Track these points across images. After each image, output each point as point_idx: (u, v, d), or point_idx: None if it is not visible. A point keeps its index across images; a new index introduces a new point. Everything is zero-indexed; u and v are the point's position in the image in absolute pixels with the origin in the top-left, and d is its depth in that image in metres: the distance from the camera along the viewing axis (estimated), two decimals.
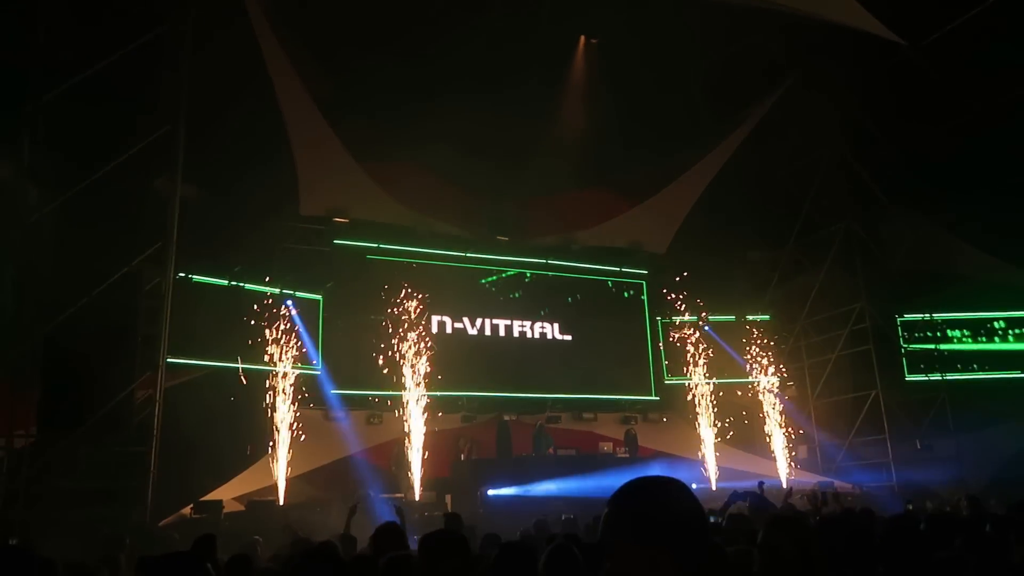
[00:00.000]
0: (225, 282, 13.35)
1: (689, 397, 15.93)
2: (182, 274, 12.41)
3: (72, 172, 10.92)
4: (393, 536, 3.58)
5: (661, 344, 17.86)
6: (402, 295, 14.44)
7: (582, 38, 16.91)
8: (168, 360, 11.69)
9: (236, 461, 12.43)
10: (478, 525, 7.91)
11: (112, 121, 11.28)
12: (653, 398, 17.55)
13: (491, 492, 12.35)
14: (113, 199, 10.76)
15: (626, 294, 18.16)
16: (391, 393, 13.97)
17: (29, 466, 10.19)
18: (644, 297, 18.21)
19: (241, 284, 13.53)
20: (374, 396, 14.69)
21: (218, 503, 10.76)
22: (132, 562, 5.54)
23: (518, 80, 16.80)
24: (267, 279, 13.91)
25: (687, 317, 17.15)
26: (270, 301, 13.54)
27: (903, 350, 16.87)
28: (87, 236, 10.88)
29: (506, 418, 15.38)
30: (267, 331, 13.10)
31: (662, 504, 1.51)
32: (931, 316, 16.75)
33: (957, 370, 16.48)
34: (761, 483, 7.70)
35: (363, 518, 9.00)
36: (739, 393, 16.95)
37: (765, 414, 16.40)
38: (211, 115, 12.28)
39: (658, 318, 18.00)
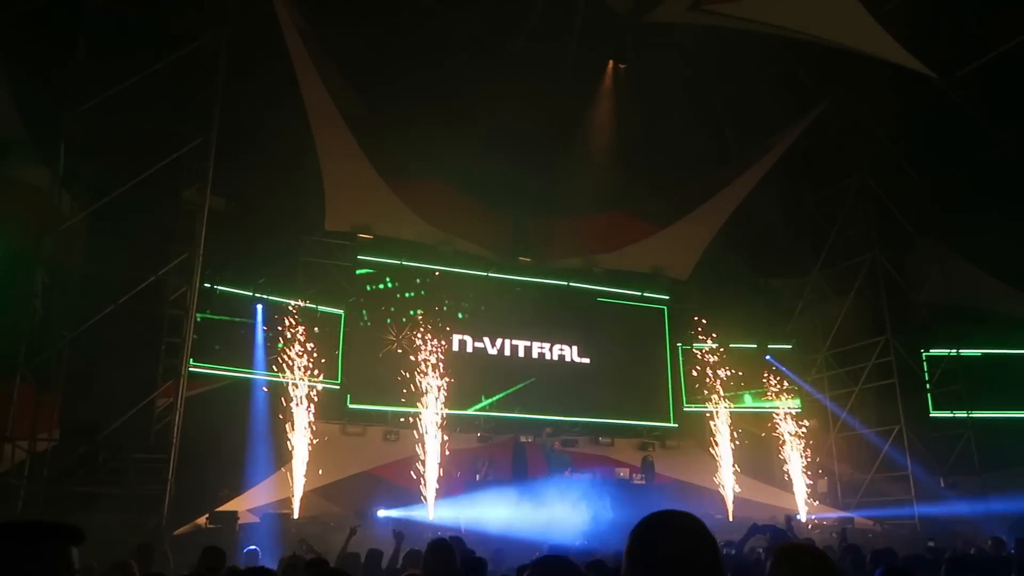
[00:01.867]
0: (249, 294, 13.48)
1: (710, 424, 15.78)
2: (207, 284, 12.56)
3: (104, 181, 11.15)
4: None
5: (681, 370, 17.73)
6: (422, 314, 14.51)
7: (610, 63, 17.01)
8: (190, 369, 11.83)
9: (253, 472, 12.46)
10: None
11: (145, 132, 11.52)
12: (671, 425, 17.39)
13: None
14: (143, 209, 10.95)
15: (646, 319, 18.05)
16: (409, 410, 13.99)
17: (50, 469, 10.31)
18: (665, 322, 18.10)
19: (264, 296, 13.65)
20: (392, 413, 14.72)
21: (233, 514, 10.79)
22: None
23: (546, 103, 16.92)
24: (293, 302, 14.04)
25: (708, 344, 17.04)
26: (296, 314, 13.64)
27: (928, 385, 16.60)
28: (116, 244, 11.08)
29: (523, 439, 15.33)
30: (288, 344, 13.19)
31: (655, 540, 1.55)
32: (958, 352, 16.48)
33: (983, 407, 16.17)
34: (789, 518, 7.52)
35: (374, 535, 9.01)
36: (765, 425, 16.77)
37: (784, 444, 16.20)
38: (242, 129, 12.49)
39: (678, 344, 17.88)
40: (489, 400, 15.82)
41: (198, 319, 12.10)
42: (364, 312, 15.21)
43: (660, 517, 1.59)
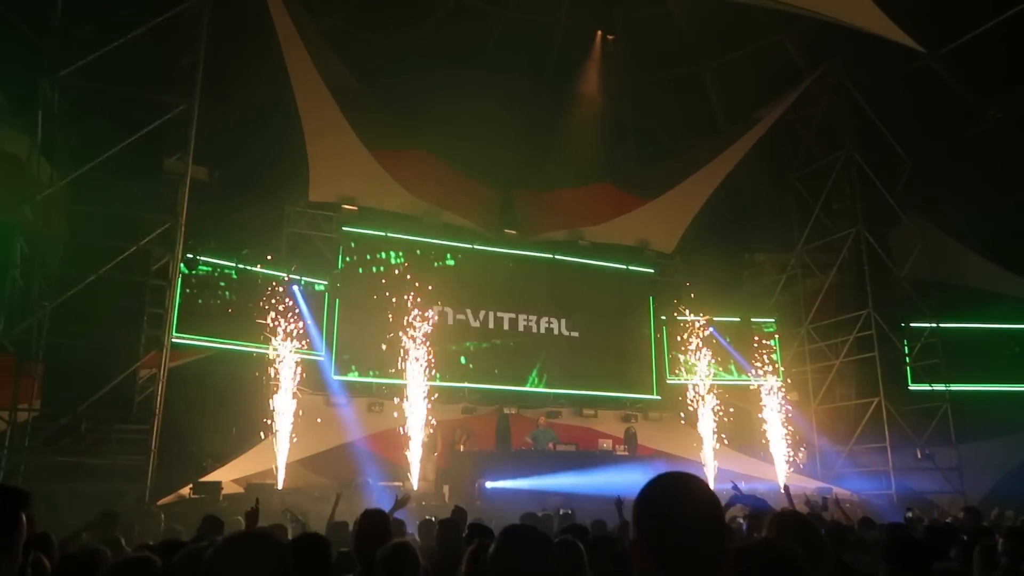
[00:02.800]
0: (232, 264, 13.39)
1: (690, 397, 15.91)
2: (190, 255, 12.46)
3: (85, 149, 10.98)
4: (376, 524, 3.57)
5: (665, 343, 17.84)
6: (407, 285, 14.46)
7: (599, 34, 16.86)
8: (173, 340, 11.77)
9: (236, 443, 12.48)
10: (479, 517, 7.94)
11: (127, 100, 11.32)
12: (654, 397, 17.54)
13: (489, 484, 12.39)
14: (124, 178, 10.79)
15: (631, 292, 18.10)
16: (393, 381, 14.01)
17: (31, 439, 10.27)
18: (650, 296, 18.17)
19: (248, 267, 13.57)
20: (376, 384, 14.76)
21: (217, 484, 10.80)
22: (131, 541, 5.59)
23: (533, 74, 16.81)
24: (269, 258, 13.94)
25: (692, 317, 17.13)
26: (280, 285, 13.58)
27: (908, 359, 16.82)
28: (97, 214, 10.95)
29: (506, 411, 15.41)
30: (271, 315, 13.14)
31: (648, 497, 1.54)
32: (937, 325, 16.68)
33: (961, 381, 16.42)
34: (788, 488, 7.57)
35: (361, 504, 9.05)
36: (744, 395, 16.96)
37: (765, 418, 16.38)
38: (225, 97, 12.31)
39: (663, 317, 17.97)
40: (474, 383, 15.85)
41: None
42: (347, 283, 15.15)
43: (672, 479, 1.57)
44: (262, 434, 12.46)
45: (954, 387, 16.19)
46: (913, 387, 16.59)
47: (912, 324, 16.88)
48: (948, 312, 16.62)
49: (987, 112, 15.67)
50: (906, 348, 16.84)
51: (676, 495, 1.52)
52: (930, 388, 16.24)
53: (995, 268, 16.75)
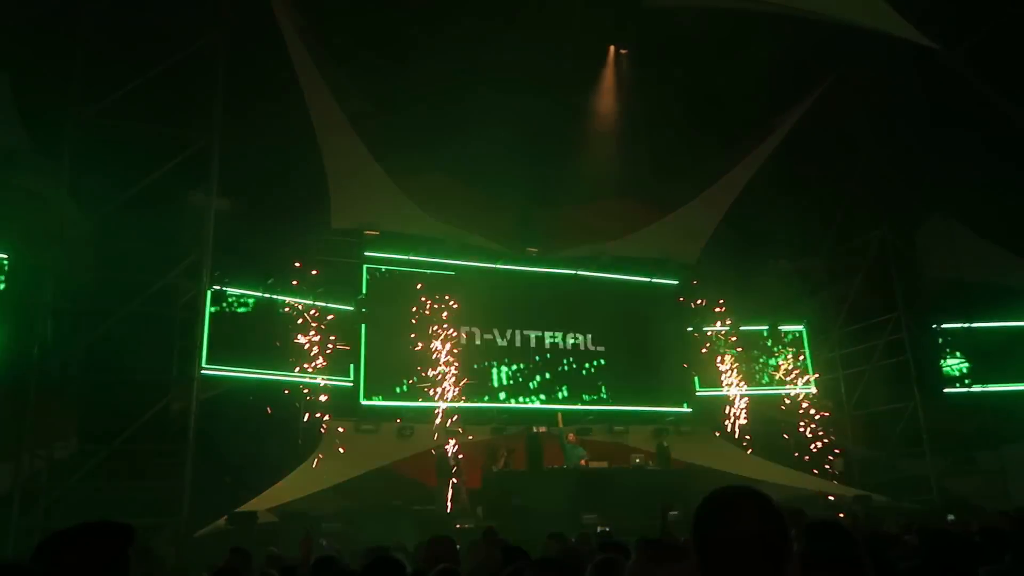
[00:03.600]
0: (259, 294, 13.48)
1: (724, 410, 15.75)
2: (217, 287, 12.57)
3: (110, 187, 11.16)
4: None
5: (692, 355, 17.68)
6: (430, 306, 14.50)
7: (611, 48, 16.91)
8: (203, 372, 11.85)
9: (271, 472, 12.50)
10: (510, 538, 7.86)
11: (149, 137, 11.52)
12: (685, 410, 17.36)
13: (522, 504, 12.29)
14: (150, 213, 10.94)
15: (656, 304, 17.99)
16: (423, 404, 14.00)
17: (69, 476, 10.37)
18: (675, 308, 18.05)
19: (274, 296, 13.66)
20: (406, 408, 14.74)
21: (252, 514, 10.82)
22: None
23: (548, 90, 16.85)
24: (295, 283, 14.03)
25: (719, 328, 16.98)
26: (310, 313, 13.66)
27: (941, 361, 16.53)
28: (125, 250, 11.10)
29: (535, 430, 15.31)
30: (300, 343, 13.21)
31: (696, 517, 1.56)
32: (969, 326, 16.38)
33: (996, 381, 16.08)
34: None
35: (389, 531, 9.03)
36: (779, 407, 16.75)
37: (799, 426, 16.16)
38: (245, 130, 12.47)
39: (689, 329, 17.83)
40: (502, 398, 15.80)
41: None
42: (373, 308, 15.20)
43: (719, 497, 1.58)
44: (298, 461, 12.48)
45: (990, 387, 15.87)
46: (948, 390, 16.29)
47: (944, 325, 16.61)
48: (980, 311, 16.34)
49: (1009, 107, 15.44)
50: (939, 350, 16.56)
51: (720, 511, 1.52)
52: (966, 390, 15.93)
53: None
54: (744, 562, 1.45)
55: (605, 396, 16.68)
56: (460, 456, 13.32)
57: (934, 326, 16.67)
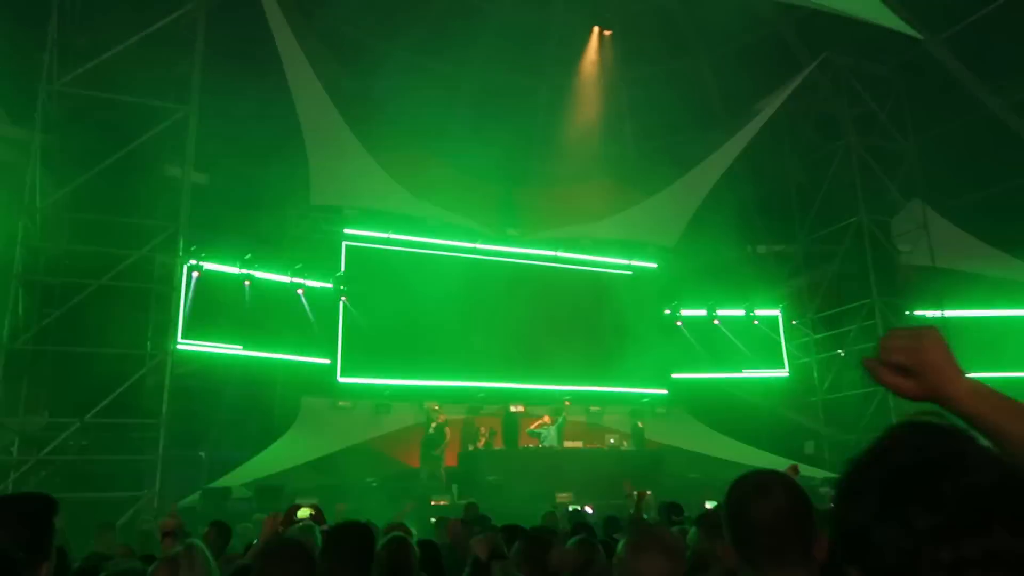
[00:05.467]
0: (236, 270, 13.39)
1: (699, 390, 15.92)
2: (193, 261, 12.46)
3: (84, 158, 10.98)
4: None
5: (670, 337, 17.81)
6: (411, 286, 14.46)
7: (595, 29, 16.83)
8: (178, 347, 11.77)
9: (246, 448, 12.48)
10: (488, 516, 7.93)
11: (125, 107, 11.33)
12: (661, 391, 17.51)
13: (496, 481, 12.39)
14: (125, 185, 10.79)
15: (635, 287, 18.08)
16: (401, 382, 14.02)
17: (40, 449, 10.29)
18: (653, 290, 18.15)
19: (251, 271, 13.57)
20: (383, 386, 14.74)
21: (226, 489, 10.82)
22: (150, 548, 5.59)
23: (530, 71, 16.79)
24: (271, 261, 13.96)
25: (696, 311, 17.14)
26: (284, 288, 13.59)
27: None
28: (99, 222, 10.95)
29: (513, 410, 15.38)
30: (276, 318, 13.15)
31: (728, 500, 1.69)
32: (942, 313, 16.62)
33: (967, 368, 16.33)
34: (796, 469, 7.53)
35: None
36: (750, 388, 16.95)
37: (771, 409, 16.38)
38: (224, 102, 12.31)
39: (667, 311, 17.94)
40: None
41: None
42: (351, 285, 15.14)
43: (748, 480, 1.69)
44: (273, 437, 12.47)
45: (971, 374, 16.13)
46: None
47: (917, 312, 16.85)
48: (953, 299, 16.59)
49: (988, 97, 15.61)
50: None
51: (752, 496, 1.64)
52: None
53: (998, 253, 16.70)
54: (777, 536, 1.57)
55: (581, 376, 16.76)
56: (446, 430, 13.37)
57: (907, 312, 16.90)
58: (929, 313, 16.81)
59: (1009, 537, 0.73)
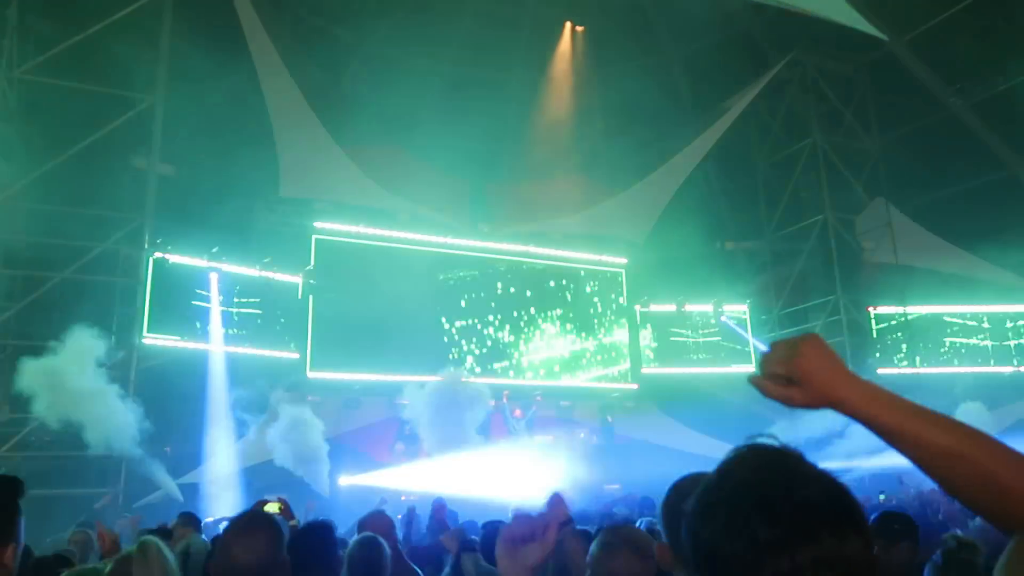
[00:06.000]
0: (203, 263, 13.17)
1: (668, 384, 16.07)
2: (159, 253, 12.24)
3: (47, 148, 10.74)
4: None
5: (639, 332, 17.95)
6: (381, 280, 14.38)
7: (568, 24, 16.87)
8: (144, 340, 11.58)
9: (212, 443, 12.31)
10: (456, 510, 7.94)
11: (89, 96, 11.09)
12: (631, 386, 17.65)
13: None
14: (89, 176, 10.58)
15: (605, 282, 18.19)
16: (370, 377, 13.94)
17: (0, 445, 10.07)
18: (623, 285, 18.27)
19: (219, 264, 13.36)
20: (352, 381, 14.65)
21: (194, 486, 10.68)
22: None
23: (502, 65, 16.76)
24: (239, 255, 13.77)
25: (664, 306, 17.31)
26: (252, 282, 13.42)
27: (876, 342, 17.12)
28: (61, 214, 10.72)
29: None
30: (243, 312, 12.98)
31: (664, 502, 1.70)
32: (904, 311, 16.98)
33: (927, 364, 16.75)
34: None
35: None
36: (718, 382, 17.12)
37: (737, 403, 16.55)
38: (191, 93, 12.12)
39: (636, 306, 18.07)
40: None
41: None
42: (321, 279, 15.01)
43: (696, 481, 1.67)
44: (238, 435, 12.31)
45: (920, 370, 16.51)
46: (881, 371, 16.89)
47: (880, 309, 17.18)
48: (915, 295, 16.95)
49: (949, 98, 15.94)
50: (874, 332, 17.14)
51: (688, 496, 1.58)
52: (898, 372, 16.54)
53: (958, 251, 17.08)
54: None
55: (552, 370, 16.83)
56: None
57: (870, 308, 17.22)
58: (891, 309, 17.16)
59: (835, 542, 0.84)
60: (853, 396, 1.08)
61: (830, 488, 0.90)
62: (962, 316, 17.50)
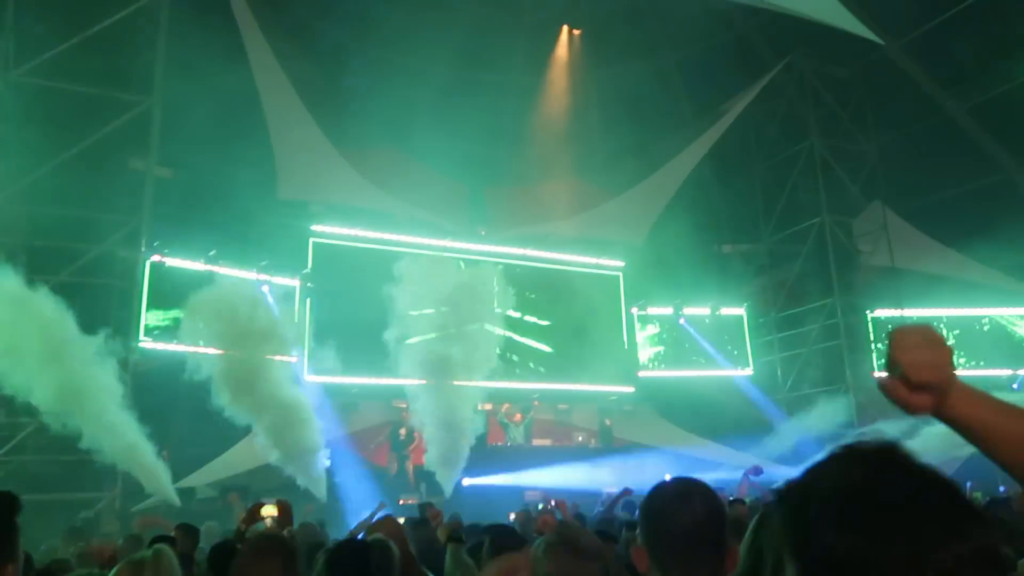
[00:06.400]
0: (200, 266, 13.12)
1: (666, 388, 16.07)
2: (156, 257, 12.20)
3: (43, 150, 10.69)
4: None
5: (637, 335, 17.95)
6: (380, 282, 14.32)
7: (565, 28, 16.88)
8: (140, 344, 11.54)
9: (211, 447, 12.27)
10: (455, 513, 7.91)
11: (86, 98, 11.06)
12: (628, 389, 17.63)
13: (466, 482, 12.40)
14: (86, 178, 10.54)
15: (602, 285, 18.17)
16: (368, 380, 13.89)
17: None
18: (621, 288, 18.26)
19: (216, 267, 13.31)
20: (350, 385, 14.59)
21: (191, 490, 10.63)
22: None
23: (500, 69, 16.77)
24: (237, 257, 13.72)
25: (662, 309, 17.31)
26: (249, 285, 13.36)
27: (873, 345, 17.15)
28: (58, 216, 10.68)
29: (481, 408, 15.35)
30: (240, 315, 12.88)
31: (647, 505, 1.70)
32: (901, 312, 17.01)
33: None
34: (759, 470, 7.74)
35: None
36: (716, 385, 17.15)
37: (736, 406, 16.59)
38: (188, 94, 12.09)
39: (634, 309, 18.08)
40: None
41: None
42: (319, 282, 14.96)
43: (669, 488, 1.70)
44: (240, 435, 12.24)
45: None
46: (879, 373, 16.91)
47: (877, 311, 17.21)
48: (912, 298, 16.98)
49: (946, 101, 15.99)
50: (871, 335, 17.17)
51: (672, 504, 1.64)
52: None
53: (956, 255, 17.13)
54: (692, 544, 1.58)
55: (549, 373, 16.80)
56: (415, 434, 13.27)
57: (867, 312, 17.26)
58: (888, 312, 17.19)
59: (983, 534, 0.79)
60: (960, 398, 1.02)
61: (951, 482, 0.85)
62: (959, 319, 17.54)
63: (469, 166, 16.37)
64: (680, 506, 1.62)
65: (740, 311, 18.38)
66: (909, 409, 1.05)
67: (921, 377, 1.02)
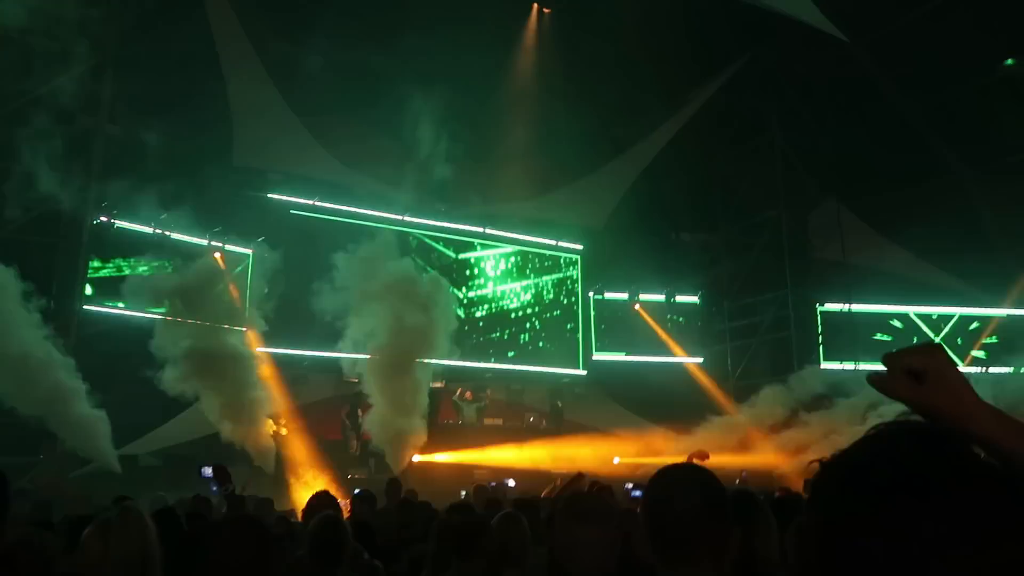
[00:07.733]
0: (149, 229, 12.75)
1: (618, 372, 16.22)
2: (103, 218, 11.81)
3: None
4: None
5: (592, 319, 18.06)
6: (334, 254, 14.11)
7: (535, 6, 16.72)
8: (85, 307, 11.20)
9: (153, 415, 11.99)
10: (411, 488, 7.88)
11: (35, 52, 10.59)
12: (580, 372, 17.75)
13: (416, 458, 12.36)
14: (31, 134, 10.12)
15: (560, 267, 18.22)
16: (319, 353, 13.71)
17: None
18: (578, 271, 18.32)
19: (166, 232, 12.94)
20: (301, 356, 14.39)
21: (132, 457, 10.39)
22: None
23: (466, 47, 16.53)
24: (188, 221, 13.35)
25: (619, 296, 17.44)
26: (200, 251, 13.05)
27: (820, 338, 17.53)
28: (3, 170, 10.26)
29: (434, 385, 15.29)
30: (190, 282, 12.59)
31: (648, 491, 1.71)
32: (849, 307, 17.41)
33: (870, 360, 17.22)
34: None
35: None
36: (667, 371, 17.36)
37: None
38: (142, 53, 11.68)
39: (590, 293, 18.16)
40: None
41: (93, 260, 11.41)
42: (272, 251, 14.67)
43: (669, 474, 1.71)
44: (180, 407, 11.99)
45: (862, 366, 16.97)
46: (825, 365, 17.30)
47: (827, 305, 17.59)
48: (860, 294, 17.38)
49: (904, 102, 16.30)
50: (819, 328, 17.55)
51: (672, 489, 1.66)
52: (840, 367, 16.98)
53: (907, 254, 17.55)
54: (693, 531, 1.60)
55: (503, 354, 16.81)
56: (361, 411, 13.15)
57: (817, 305, 17.62)
58: (837, 306, 17.58)
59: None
60: (983, 415, 1.00)
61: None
62: (905, 316, 18.03)
63: (432, 142, 16.15)
64: (680, 492, 1.63)
65: (695, 299, 18.60)
66: (904, 398, 1.03)
67: (906, 360, 1.03)
